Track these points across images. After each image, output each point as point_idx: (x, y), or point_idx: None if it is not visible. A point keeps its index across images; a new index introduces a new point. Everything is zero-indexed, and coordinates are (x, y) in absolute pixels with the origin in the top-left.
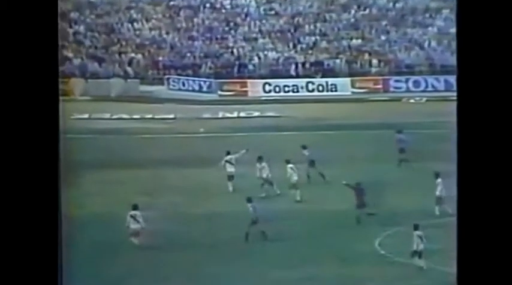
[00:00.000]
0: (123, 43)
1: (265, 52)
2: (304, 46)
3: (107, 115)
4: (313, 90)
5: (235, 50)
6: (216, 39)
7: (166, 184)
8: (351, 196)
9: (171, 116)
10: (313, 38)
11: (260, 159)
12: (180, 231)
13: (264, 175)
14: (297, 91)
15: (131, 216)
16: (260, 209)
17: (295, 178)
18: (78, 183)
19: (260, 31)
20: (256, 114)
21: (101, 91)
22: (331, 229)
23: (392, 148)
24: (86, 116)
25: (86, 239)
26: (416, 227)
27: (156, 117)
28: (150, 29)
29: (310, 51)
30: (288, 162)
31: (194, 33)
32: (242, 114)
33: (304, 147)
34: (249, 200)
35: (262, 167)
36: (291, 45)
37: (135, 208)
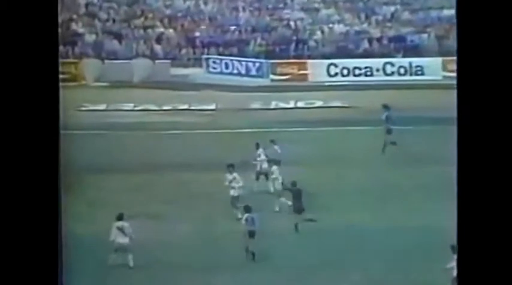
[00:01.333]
0: (149, 15)
1: (330, 25)
2: (380, 18)
3: (129, 106)
4: (392, 73)
5: (291, 23)
6: (267, 9)
7: (200, 191)
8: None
9: (211, 106)
10: (392, 8)
11: (231, 167)
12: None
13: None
14: (371, 75)
15: (118, 228)
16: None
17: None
18: (87, 189)
19: None
20: (319, 103)
21: (121, 75)
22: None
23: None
24: (102, 107)
25: (90, 259)
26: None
27: (191, 107)
28: None
29: (388, 24)
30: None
31: (239, 2)
32: (300, 104)
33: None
34: (247, 209)
35: (233, 178)
36: (362, 16)
37: (120, 218)
